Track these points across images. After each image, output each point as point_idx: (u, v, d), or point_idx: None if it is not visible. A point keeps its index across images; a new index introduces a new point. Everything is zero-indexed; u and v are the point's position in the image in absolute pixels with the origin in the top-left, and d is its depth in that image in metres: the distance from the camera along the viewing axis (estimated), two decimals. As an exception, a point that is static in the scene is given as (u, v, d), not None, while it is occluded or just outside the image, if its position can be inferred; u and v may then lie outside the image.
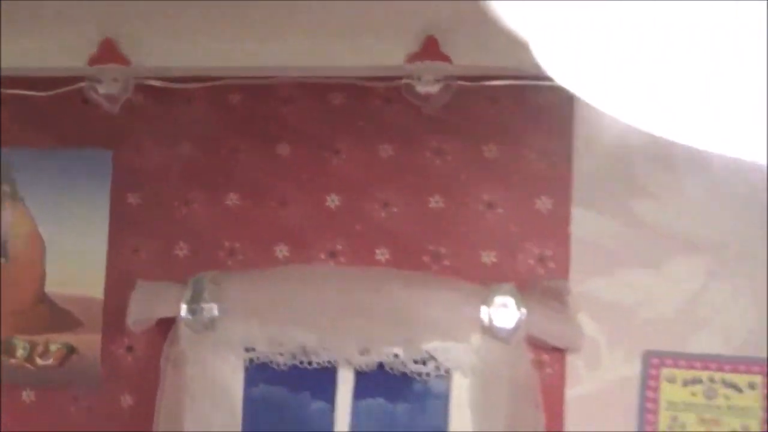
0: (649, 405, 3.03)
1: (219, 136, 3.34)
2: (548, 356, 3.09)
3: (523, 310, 3.01)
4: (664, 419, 3.01)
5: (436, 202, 3.19)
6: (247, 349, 3.19)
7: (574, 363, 3.09)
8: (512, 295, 3.02)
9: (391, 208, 3.22)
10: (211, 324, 3.16)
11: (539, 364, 3.08)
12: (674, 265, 3.04)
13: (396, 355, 3.10)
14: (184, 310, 3.16)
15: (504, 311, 3.01)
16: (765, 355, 2.94)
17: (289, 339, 3.14)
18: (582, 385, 3.09)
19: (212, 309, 3.16)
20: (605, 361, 3.07)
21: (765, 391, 2.94)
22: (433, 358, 3.08)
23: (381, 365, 3.13)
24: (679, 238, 3.04)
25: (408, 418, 3.20)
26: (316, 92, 3.27)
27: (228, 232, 3.29)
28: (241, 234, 3.28)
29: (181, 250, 3.30)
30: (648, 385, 3.03)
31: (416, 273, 3.15)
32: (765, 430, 2.92)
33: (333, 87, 3.25)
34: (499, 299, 3.02)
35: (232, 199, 3.30)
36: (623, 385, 3.05)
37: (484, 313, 3.02)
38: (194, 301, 3.16)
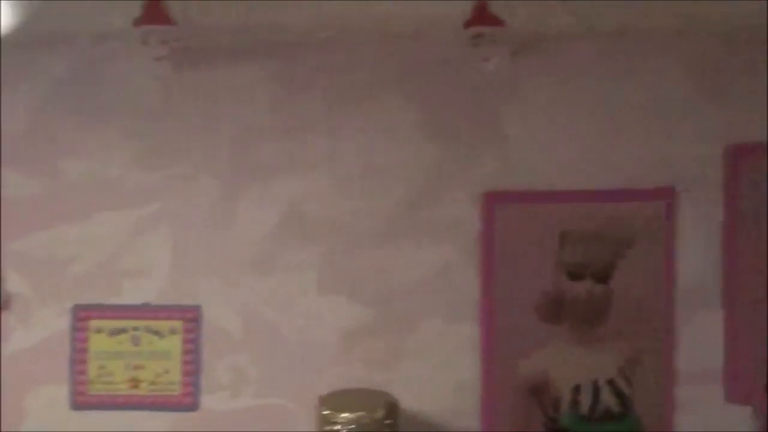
0: (79, 356, 3.15)
1: None
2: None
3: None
4: (93, 368, 3.15)
5: None
6: None
7: (6, 320, 3.14)
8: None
9: None
10: None
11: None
12: (101, 220, 3.15)
13: None
14: None
15: None
16: (183, 303, 3.14)
17: None
18: (15, 341, 3.15)
19: None
20: (37, 317, 3.15)
21: (184, 334, 3.15)
22: None
23: None
24: (106, 193, 3.15)
25: None
26: None
27: None
28: None
29: None
30: (77, 337, 3.15)
31: None
32: (184, 369, 3.15)
33: None
34: None
35: None
36: (55, 338, 3.15)
37: None
38: None
